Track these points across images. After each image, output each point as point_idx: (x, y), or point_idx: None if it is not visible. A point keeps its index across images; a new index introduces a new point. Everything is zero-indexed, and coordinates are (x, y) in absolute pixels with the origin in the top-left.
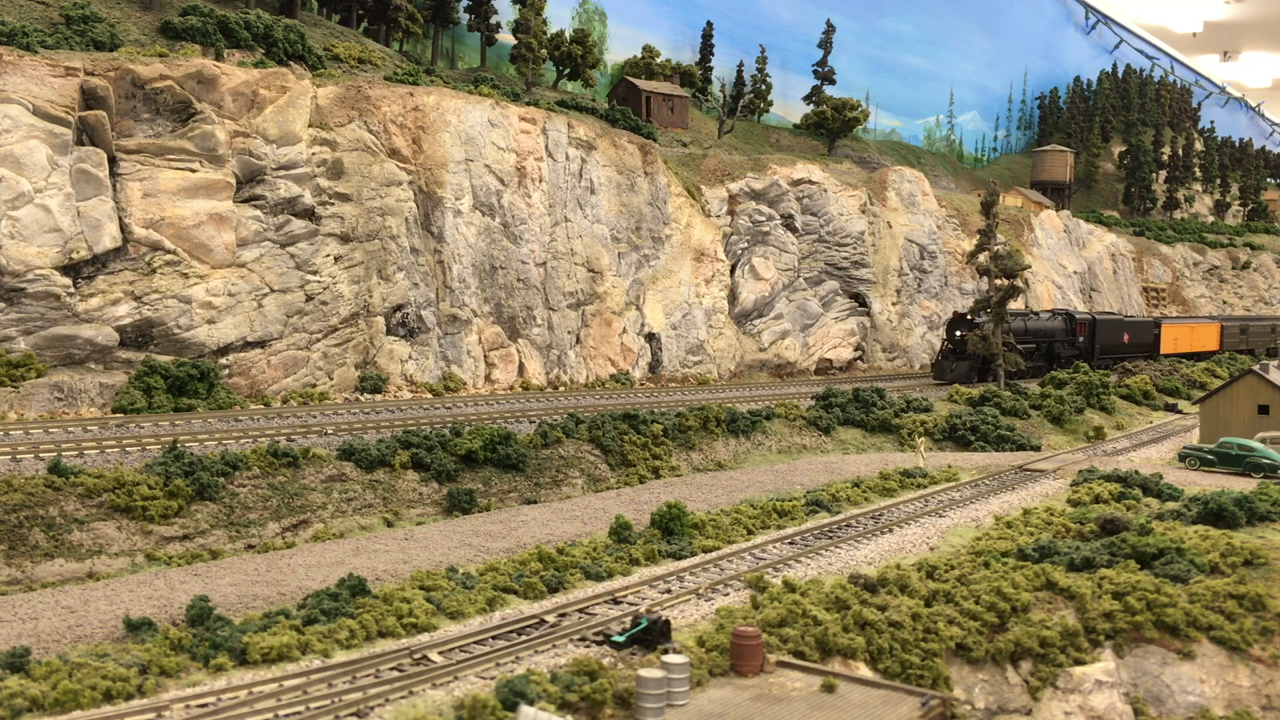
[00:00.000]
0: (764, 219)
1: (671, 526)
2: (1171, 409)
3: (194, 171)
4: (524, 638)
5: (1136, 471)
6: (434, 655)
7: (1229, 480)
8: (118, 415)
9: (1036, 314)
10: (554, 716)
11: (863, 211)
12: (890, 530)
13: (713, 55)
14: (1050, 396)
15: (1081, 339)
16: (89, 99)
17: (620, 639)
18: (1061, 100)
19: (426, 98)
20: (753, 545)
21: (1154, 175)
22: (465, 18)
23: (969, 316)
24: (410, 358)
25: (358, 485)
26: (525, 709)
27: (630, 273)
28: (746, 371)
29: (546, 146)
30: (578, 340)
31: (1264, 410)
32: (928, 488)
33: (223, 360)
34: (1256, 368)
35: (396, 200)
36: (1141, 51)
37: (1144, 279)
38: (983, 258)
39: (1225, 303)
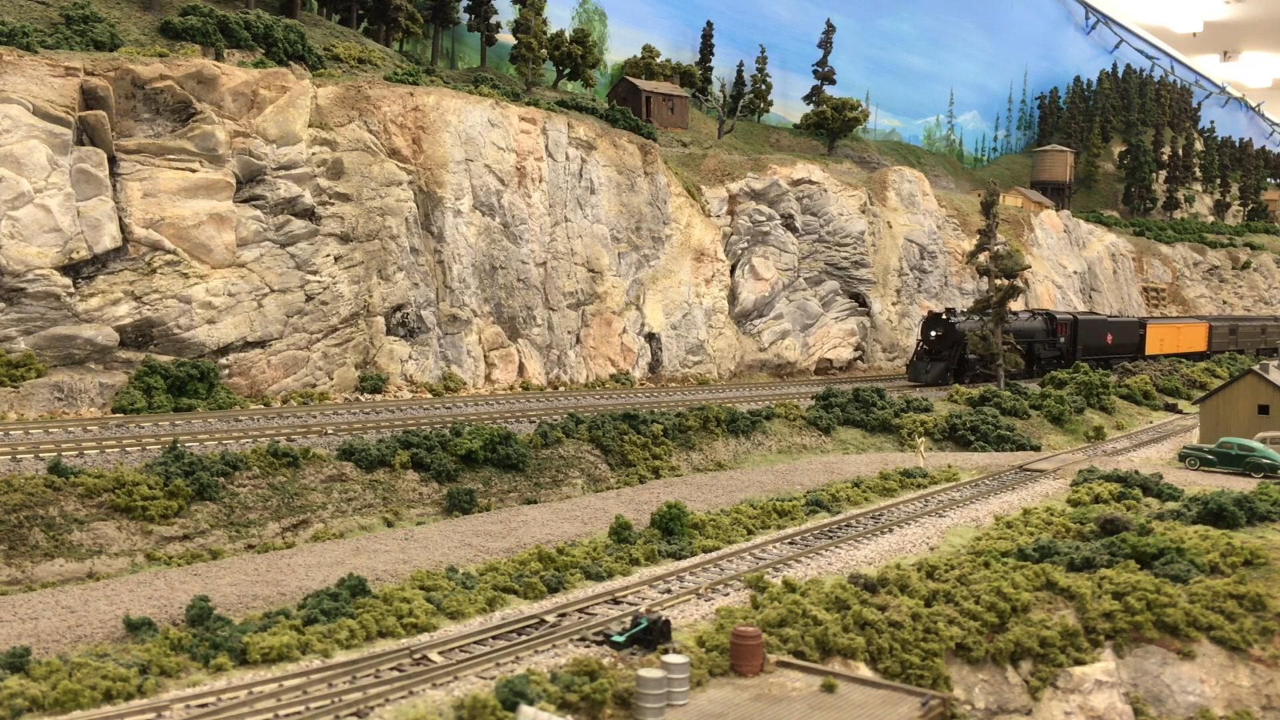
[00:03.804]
0: (764, 219)
1: (671, 526)
2: (1171, 409)
3: (194, 171)
4: (524, 638)
5: (1136, 471)
6: (434, 655)
7: (1229, 480)
8: (118, 415)
9: (1015, 314)
10: (554, 716)
11: (863, 211)
12: (890, 530)
13: (713, 55)
14: (1050, 397)
15: (1063, 339)
16: (89, 99)
17: (620, 639)
18: (1061, 100)
19: (426, 98)
20: (753, 545)
21: (1154, 175)
22: (465, 18)
23: (944, 316)
24: (410, 358)
25: (358, 485)
26: (525, 709)
27: (630, 273)
28: (746, 371)
29: (546, 146)
30: (578, 340)
31: (1264, 410)
32: (928, 488)
33: (223, 360)
34: (1256, 368)
35: (396, 200)
36: (1141, 51)
37: (1144, 279)
38: (983, 258)
39: (1225, 303)
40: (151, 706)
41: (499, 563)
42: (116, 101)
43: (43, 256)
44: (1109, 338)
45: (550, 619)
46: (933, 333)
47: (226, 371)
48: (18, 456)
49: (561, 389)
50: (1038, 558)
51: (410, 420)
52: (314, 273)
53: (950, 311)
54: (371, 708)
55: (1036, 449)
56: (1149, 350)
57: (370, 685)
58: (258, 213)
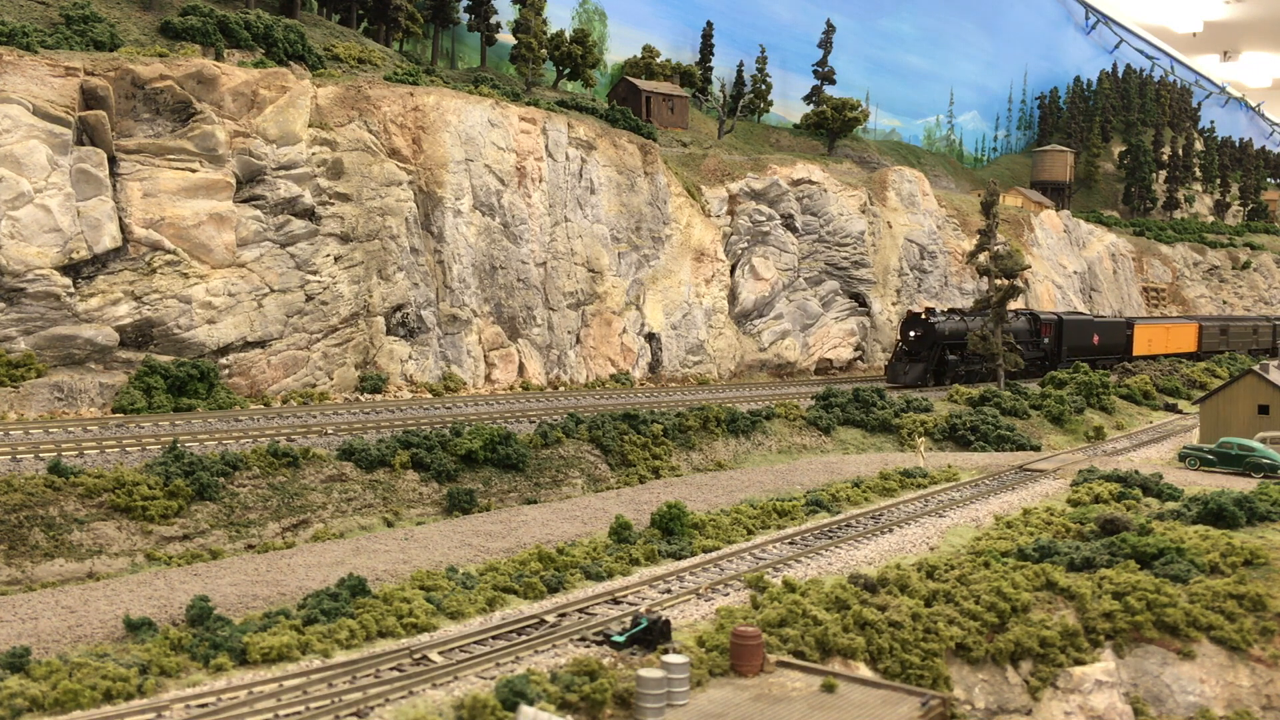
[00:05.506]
0: (764, 219)
1: (671, 526)
2: (1171, 409)
3: (194, 171)
4: (524, 638)
5: (1136, 471)
6: (434, 655)
7: (1229, 480)
8: (118, 415)
9: None
10: (554, 716)
11: (863, 211)
12: (890, 530)
13: (713, 55)
14: (1050, 397)
15: (1047, 340)
16: (89, 99)
17: (620, 639)
18: (1061, 100)
19: (426, 98)
20: (753, 545)
21: (1154, 175)
22: (465, 18)
23: (923, 315)
24: (410, 358)
25: (358, 485)
26: (525, 709)
27: (630, 273)
28: (746, 371)
29: (546, 146)
30: (578, 340)
31: (1264, 410)
32: (928, 488)
33: (223, 360)
34: (1256, 368)
35: (396, 200)
36: (1141, 51)
37: (1144, 279)
38: (983, 258)
39: (1225, 303)
40: (151, 706)
41: (499, 563)
42: (116, 101)
43: (43, 256)
44: (1095, 338)
45: (550, 619)
46: (912, 333)
47: (226, 371)
48: (18, 456)
49: (561, 389)
50: (1038, 558)
51: (410, 420)
52: (314, 273)
53: (930, 311)
54: (371, 708)
55: (1036, 449)
56: (1137, 351)
57: (370, 685)
58: (258, 213)
